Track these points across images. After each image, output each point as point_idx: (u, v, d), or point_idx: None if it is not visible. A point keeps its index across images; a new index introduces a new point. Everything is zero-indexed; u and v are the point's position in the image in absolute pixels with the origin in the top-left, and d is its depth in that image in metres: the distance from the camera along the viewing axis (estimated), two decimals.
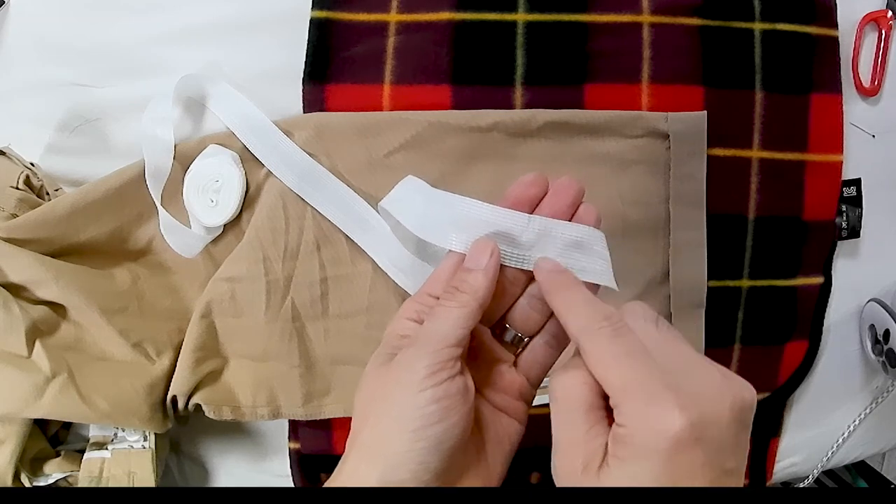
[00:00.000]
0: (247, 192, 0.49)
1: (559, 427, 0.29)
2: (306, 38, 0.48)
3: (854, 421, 0.58)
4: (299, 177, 0.48)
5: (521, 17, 0.48)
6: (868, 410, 0.57)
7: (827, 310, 0.54)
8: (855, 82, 0.52)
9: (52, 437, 0.52)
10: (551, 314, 0.33)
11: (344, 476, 0.30)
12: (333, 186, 0.48)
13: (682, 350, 0.29)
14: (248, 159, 0.49)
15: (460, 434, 0.30)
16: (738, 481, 0.27)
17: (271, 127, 0.48)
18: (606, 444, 0.28)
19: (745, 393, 0.28)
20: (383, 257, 0.48)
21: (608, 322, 0.29)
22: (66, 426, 0.53)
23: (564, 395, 0.29)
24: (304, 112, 0.49)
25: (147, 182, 0.48)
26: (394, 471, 0.29)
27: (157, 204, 0.48)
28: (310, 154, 0.48)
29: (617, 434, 0.27)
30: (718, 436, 0.27)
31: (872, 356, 0.54)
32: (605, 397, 0.28)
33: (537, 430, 0.50)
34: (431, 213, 0.34)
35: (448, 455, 0.29)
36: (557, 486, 0.29)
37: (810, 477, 0.60)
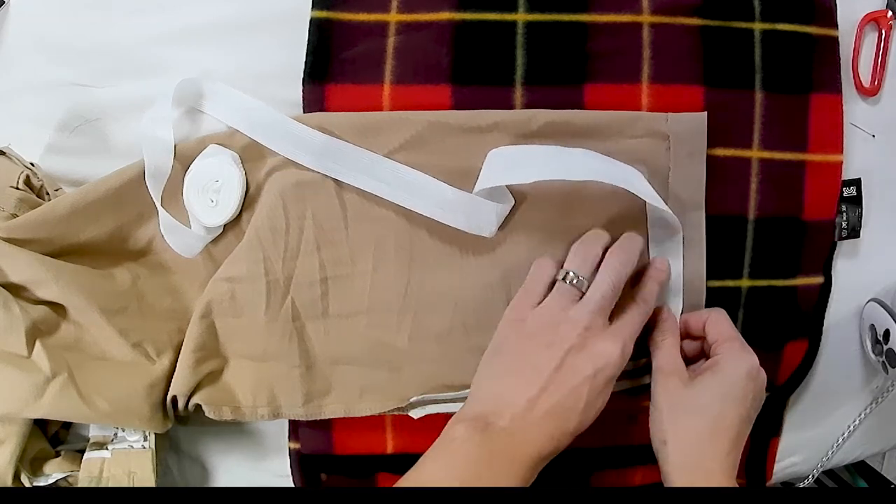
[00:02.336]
0: (247, 192, 0.49)
1: (662, 361, 0.47)
2: (306, 38, 0.48)
3: (854, 421, 0.58)
4: (319, 155, 0.47)
5: (521, 17, 0.48)
6: (868, 410, 0.57)
7: (827, 310, 0.54)
8: (855, 82, 0.52)
9: (52, 437, 0.52)
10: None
11: None
12: (355, 154, 0.47)
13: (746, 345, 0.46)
14: (248, 159, 0.49)
15: None
16: (745, 435, 0.45)
17: (277, 116, 0.48)
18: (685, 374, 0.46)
19: (765, 381, 0.46)
20: (426, 204, 0.47)
21: (719, 312, 0.48)
22: (66, 426, 0.53)
23: (669, 337, 0.47)
24: (304, 112, 0.49)
25: (147, 182, 0.48)
26: None
27: (158, 204, 0.48)
28: None
29: (711, 362, 0.45)
30: (758, 388, 0.45)
31: (872, 356, 0.54)
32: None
33: None
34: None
35: None
36: (658, 393, 0.46)
37: (810, 477, 0.60)
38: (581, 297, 0.45)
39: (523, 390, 0.43)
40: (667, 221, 0.48)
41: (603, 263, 0.46)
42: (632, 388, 0.51)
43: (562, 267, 0.46)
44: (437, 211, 0.47)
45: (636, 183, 0.45)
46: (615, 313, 0.46)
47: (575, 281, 0.45)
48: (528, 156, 0.46)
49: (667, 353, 0.47)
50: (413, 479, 0.41)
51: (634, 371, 0.51)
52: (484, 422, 0.42)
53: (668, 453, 0.44)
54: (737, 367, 0.44)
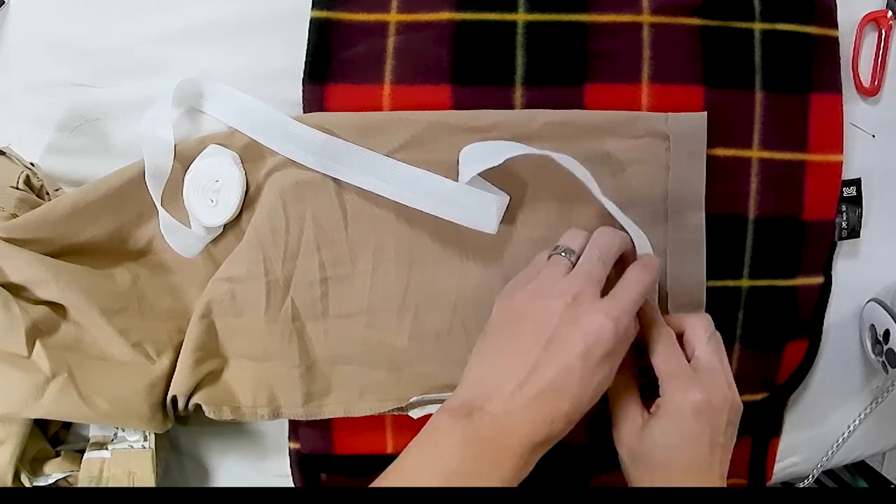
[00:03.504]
0: (247, 192, 0.49)
1: (619, 407, 0.45)
2: (306, 38, 0.48)
3: (854, 421, 0.58)
4: (319, 154, 0.47)
5: (521, 17, 0.48)
6: (868, 410, 0.57)
7: (827, 310, 0.54)
8: (855, 82, 0.52)
9: (52, 437, 0.52)
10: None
11: None
12: (355, 153, 0.47)
13: (715, 359, 0.44)
14: (248, 159, 0.49)
15: None
16: (724, 457, 0.43)
17: (277, 115, 0.48)
18: (644, 417, 0.44)
19: (738, 401, 0.44)
20: (427, 199, 0.46)
21: (666, 334, 0.45)
22: (66, 426, 0.53)
23: (625, 386, 0.45)
24: (304, 112, 0.49)
25: (147, 182, 0.48)
26: None
27: (158, 204, 0.48)
28: None
29: (659, 403, 0.43)
30: (717, 419, 0.42)
31: (872, 356, 0.54)
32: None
33: None
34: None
35: None
36: (623, 442, 0.44)
37: (810, 477, 0.60)
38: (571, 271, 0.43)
39: (511, 372, 0.40)
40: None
41: (590, 240, 0.45)
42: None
43: None
44: (437, 206, 0.46)
45: (591, 184, 0.45)
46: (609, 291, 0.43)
47: (564, 253, 0.44)
48: (496, 146, 0.46)
49: (622, 403, 0.45)
50: (394, 472, 0.40)
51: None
52: (469, 409, 0.40)
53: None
54: (680, 407, 0.42)
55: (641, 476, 0.43)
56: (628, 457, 0.44)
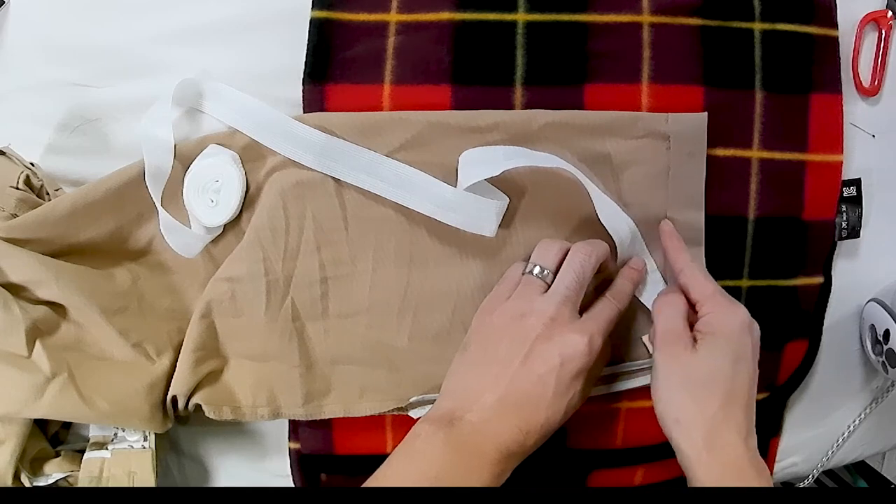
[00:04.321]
0: (247, 192, 0.49)
1: (665, 326, 0.44)
2: (306, 38, 0.48)
3: (854, 421, 0.58)
4: (319, 154, 0.47)
5: (521, 17, 0.48)
6: (868, 410, 0.57)
7: (827, 310, 0.54)
8: (855, 82, 0.52)
9: (52, 437, 0.52)
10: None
11: None
12: (355, 153, 0.47)
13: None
14: (248, 159, 0.49)
15: None
16: (756, 381, 0.43)
17: (277, 115, 0.48)
18: (692, 337, 0.43)
19: (758, 326, 0.44)
20: (427, 203, 0.47)
21: (699, 264, 0.47)
22: (66, 426, 0.53)
23: (672, 302, 0.45)
24: (304, 112, 0.49)
25: (147, 182, 0.48)
26: None
27: (157, 204, 0.48)
28: None
29: (702, 324, 0.43)
30: (754, 337, 0.44)
31: (872, 356, 0.54)
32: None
33: None
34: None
35: None
36: (664, 363, 0.43)
37: (810, 477, 0.60)
38: (547, 290, 0.44)
39: (489, 383, 0.42)
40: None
41: (566, 258, 0.45)
42: (626, 389, 0.51)
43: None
44: (436, 210, 0.47)
45: (590, 185, 0.46)
46: (586, 309, 0.45)
47: (540, 273, 0.45)
48: (495, 152, 0.46)
49: (668, 318, 0.44)
50: (377, 480, 0.41)
51: (623, 373, 0.51)
52: (449, 418, 0.41)
53: (686, 432, 0.42)
54: (732, 324, 0.43)
55: (692, 398, 0.42)
56: (677, 377, 0.43)
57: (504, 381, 0.42)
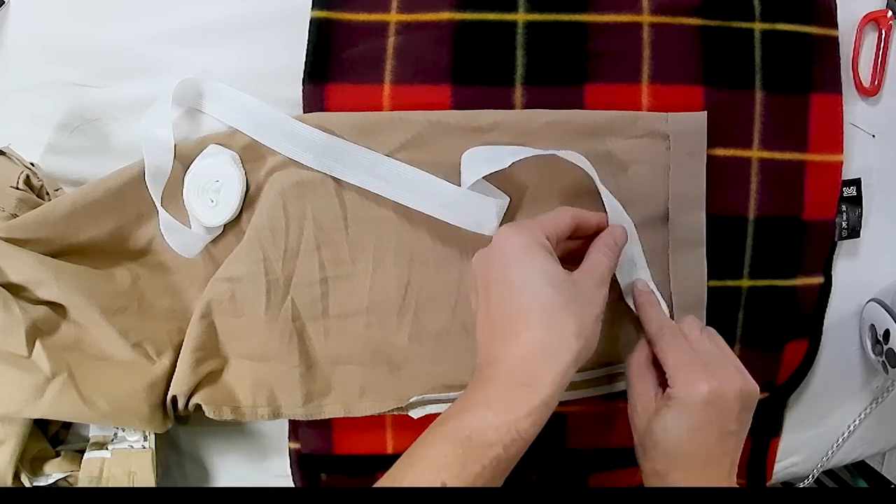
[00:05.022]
0: (247, 192, 0.49)
1: (637, 391, 0.45)
2: (306, 38, 0.48)
3: (854, 421, 0.58)
4: (319, 153, 0.47)
5: (521, 17, 0.48)
6: (868, 410, 0.57)
7: (827, 310, 0.54)
8: (855, 82, 0.52)
9: (52, 437, 0.52)
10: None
11: None
12: (355, 153, 0.47)
13: (716, 347, 0.45)
14: (248, 159, 0.49)
15: None
16: (737, 443, 0.43)
17: (277, 115, 0.48)
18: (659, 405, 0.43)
19: (750, 385, 0.43)
20: (427, 202, 0.47)
21: (670, 329, 0.45)
22: (66, 426, 0.53)
23: (641, 372, 0.45)
24: (304, 112, 0.49)
25: (147, 182, 0.48)
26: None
27: (158, 204, 0.48)
28: None
29: (669, 394, 0.43)
30: (726, 406, 0.42)
31: (872, 356, 0.54)
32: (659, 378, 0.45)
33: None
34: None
35: None
36: (636, 425, 0.44)
37: (810, 477, 0.60)
38: None
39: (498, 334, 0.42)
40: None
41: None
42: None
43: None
44: (437, 209, 0.46)
45: (598, 181, 0.46)
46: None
47: None
48: (498, 150, 0.46)
49: (640, 387, 0.45)
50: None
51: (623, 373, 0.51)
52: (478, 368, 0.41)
53: (671, 485, 0.43)
54: (690, 398, 0.42)
55: (653, 464, 0.43)
56: (642, 439, 0.44)
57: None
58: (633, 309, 0.48)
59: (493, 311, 0.41)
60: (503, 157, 0.45)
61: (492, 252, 0.42)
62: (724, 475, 0.43)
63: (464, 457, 0.37)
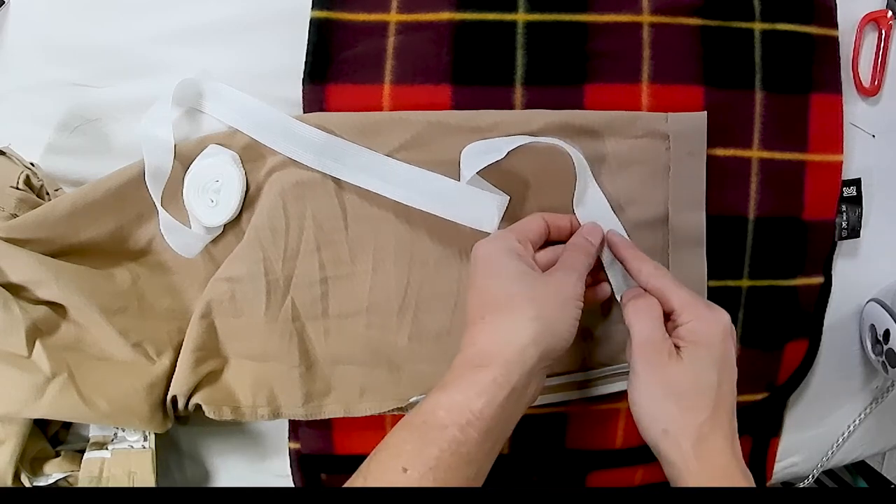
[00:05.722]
0: (247, 192, 0.49)
1: (644, 335, 0.42)
2: (306, 38, 0.48)
3: (854, 421, 0.58)
4: (319, 153, 0.47)
5: (521, 17, 0.48)
6: (868, 410, 0.57)
7: (827, 310, 0.54)
8: (855, 82, 0.52)
9: (52, 437, 0.52)
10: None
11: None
12: (354, 152, 0.47)
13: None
14: (248, 159, 0.49)
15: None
16: (734, 382, 0.43)
17: (277, 114, 0.48)
18: (672, 345, 0.42)
19: (727, 316, 0.43)
20: (427, 200, 0.47)
21: (664, 270, 0.44)
22: (66, 426, 0.53)
23: (647, 308, 0.43)
24: (304, 112, 0.49)
25: (147, 182, 0.48)
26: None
27: (158, 204, 0.48)
28: None
29: (683, 332, 0.42)
30: (732, 341, 0.42)
31: (872, 356, 0.54)
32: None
33: (535, 436, 0.50)
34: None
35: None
36: (645, 373, 0.42)
37: (810, 477, 0.60)
38: None
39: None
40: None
41: None
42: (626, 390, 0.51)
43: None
44: (437, 206, 0.46)
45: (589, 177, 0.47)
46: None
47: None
48: (496, 143, 0.46)
49: (646, 326, 0.42)
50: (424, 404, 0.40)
51: (623, 373, 0.51)
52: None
53: (675, 442, 0.40)
54: (715, 331, 0.41)
55: (678, 408, 0.41)
56: (661, 387, 0.41)
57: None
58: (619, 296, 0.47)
59: (466, 314, 0.42)
60: (500, 147, 0.45)
61: (471, 263, 0.43)
62: (735, 435, 0.42)
63: (420, 440, 0.37)
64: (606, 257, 0.48)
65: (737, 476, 0.40)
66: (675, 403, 0.41)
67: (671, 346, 0.42)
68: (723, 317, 0.42)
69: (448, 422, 0.37)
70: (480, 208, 0.46)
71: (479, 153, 0.45)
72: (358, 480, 0.38)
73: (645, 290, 0.44)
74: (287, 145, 0.48)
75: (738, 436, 0.42)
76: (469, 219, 0.46)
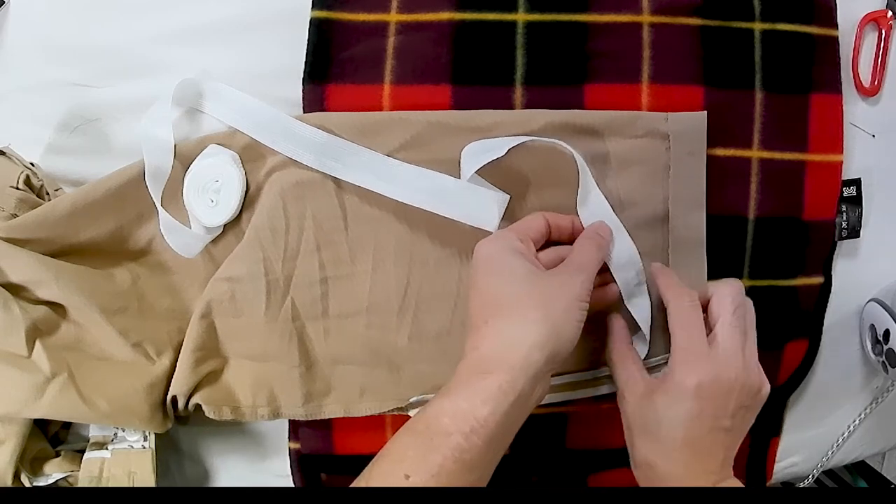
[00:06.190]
0: (247, 192, 0.49)
1: (622, 377, 0.45)
2: (306, 38, 0.48)
3: (854, 421, 0.58)
4: (319, 153, 0.47)
5: (521, 17, 0.48)
6: (868, 410, 0.57)
7: (827, 310, 0.54)
8: (855, 82, 0.52)
9: (52, 437, 0.52)
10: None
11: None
12: (354, 152, 0.47)
13: (736, 335, 0.43)
14: (248, 159, 0.49)
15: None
16: (732, 440, 0.43)
17: (277, 114, 0.48)
18: (648, 385, 0.44)
19: (754, 382, 0.42)
20: (428, 199, 0.46)
21: (691, 302, 0.44)
22: (66, 426, 0.53)
23: (622, 356, 0.46)
24: (304, 112, 0.49)
25: (147, 182, 0.48)
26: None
27: (158, 204, 0.48)
28: None
29: (665, 376, 0.43)
30: (723, 401, 0.41)
31: (872, 356, 0.54)
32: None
33: (535, 436, 0.50)
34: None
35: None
36: (625, 410, 0.45)
37: (810, 477, 0.60)
38: None
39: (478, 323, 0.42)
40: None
41: None
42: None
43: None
44: (438, 205, 0.46)
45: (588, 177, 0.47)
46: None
47: None
48: (497, 142, 0.46)
49: (623, 370, 0.46)
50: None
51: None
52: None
53: (661, 475, 0.43)
54: (683, 385, 0.42)
55: (642, 444, 0.44)
56: (631, 424, 0.45)
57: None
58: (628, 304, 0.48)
59: (469, 316, 0.42)
60: (500, 146, 0.45)
61: (472, 263, 0.43)
62: (714, 468, 0.42)
63: (423, 447, 0.37)
64: (617, 259, 0.47)
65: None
66: (654, 444, 0.43)
67: (639, 387, 0.44)
68: (696, 376, 0.41)
69: (452, 429, 0.37)
70: (481, 206, 0.45)
71: (480, 152, 0.45)
72: (360, 485, 0.38)
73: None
74: (287, 145, 0.47)
75: (731, 460, 0.43)
76: (469, 217, 0.46)
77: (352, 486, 0.38)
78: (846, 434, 0.58)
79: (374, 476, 0.38)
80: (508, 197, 0.47)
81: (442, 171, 0.47)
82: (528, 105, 0.48)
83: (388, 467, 0.37)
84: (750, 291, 0.51)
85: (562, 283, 0.41)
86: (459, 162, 0.47)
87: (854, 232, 0.52)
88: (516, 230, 0.44)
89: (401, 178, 0.47)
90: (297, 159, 0.47)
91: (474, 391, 0.38)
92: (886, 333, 0.52)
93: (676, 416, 0.42)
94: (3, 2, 0.51)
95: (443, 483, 0.36)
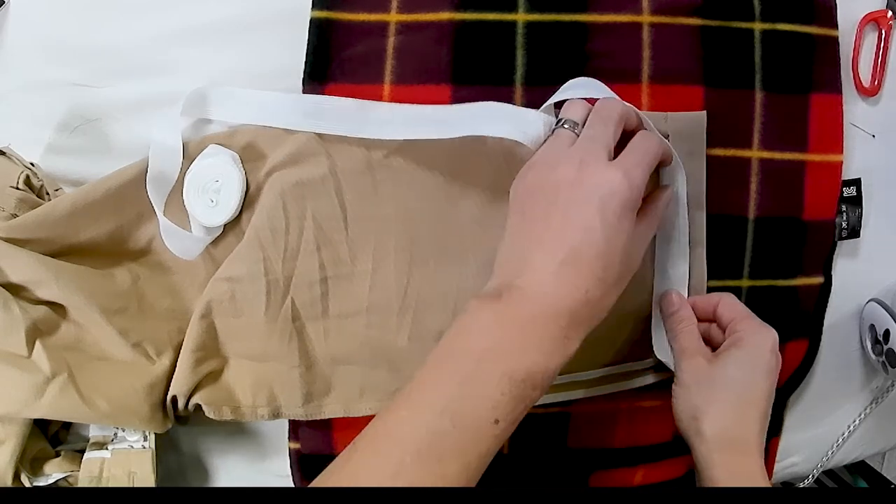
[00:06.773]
0: (247, 192, 0.49)
1: (685, 343, 0.47)
2: (306, 38, 0.48)
3: (854, 421, 0.58)
4: (353, 121, 0.47)
5: (521, 17, 0.48)
6: (868, 410, 0.57)
7: (827, 310, 0.54)
8: (855, 82, 0.52)
9: (52, 437, 0.52)
10: None
11: None
12: (378, 110, 0.47)
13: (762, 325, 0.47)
14: (248, 159, 0.49)
15: None
16: (771, 401, 0.46)
17: (300, 96, 0.48)
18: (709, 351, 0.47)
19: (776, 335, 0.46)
20: (465, 126, 0.45)
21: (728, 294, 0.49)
22: (66, 426, 0.53)
23: (686, 318, 0.48)
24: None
25: (148, 188, 0.47)
26: None
27: (159, 213, 0.48)
28: (310, 153, 0.48)
29: (735, 338, 0.46)
30: (779, 362, 0.46)
31: (872, 356, 0.54)
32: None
33: (536, 435, 0.50)
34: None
35: None
36: (687, 371, 0.46)
37: (810, 477, 0.60)
38: None
39: (533, 245, 0.39)
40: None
41: (592, 109, 0.43)
42: (638, 387, 0.51)
43: None
44: (480, 125, 0.44)
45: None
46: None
47: (570, 126, 0.42)
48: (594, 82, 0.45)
49: (687, 335, 0.47)
50: (431, 356, 0.39)
51: (625, 373, 0.51)
52: (498, 291, 0.38)
53: (702, 428, 0.44)
54: (760, 341, 0.45)
55: (709, 397, 0.45)
56: (695, 381, 0.46)
57: (548, 239, 0.38)
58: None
59: (550, 236, 0.38)
60: (600, 88, 0.45)
61: (583, 183, 0.38)
62: (762, 436, 0.45)
63: (518, 398, 0.36)
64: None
65: (756, 476, 0.43)
66: (707, 395, 0.45)
67: (707, 353, 0.47)
68: (772, 334, 0.46)
69: (539, 386, 0.37)
70: (525, 123, 0.44)
71: (574, 87, 0.45)
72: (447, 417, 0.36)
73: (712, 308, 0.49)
74: (317, 122, 0.47)
75: (764, 442, 0.45)
76: (513, 132, 0.43)
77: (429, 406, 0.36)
78: (846, 434, 0.58)
79: (468, 409, 0.36)
80: (555, 120, 0.44)
81: (441, 170, 0.47)
82: (528, 105, 0.48)
83: (480, 410, 0.36)
84: (750, 291, 0.51)
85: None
86: (459, 162, 0.47)
87: (854, 232, 0.52)
88: (642, 174, 0.39)
89: (431, 118, 0.46)
90: (324, 132, 0.47)
91: (563, 355, 0.38)
92: (886, 333, 0.52)
93: (752, 371, 0.45)
94: (3, 2, 0.51)
95: (509, 435, 0.37)
